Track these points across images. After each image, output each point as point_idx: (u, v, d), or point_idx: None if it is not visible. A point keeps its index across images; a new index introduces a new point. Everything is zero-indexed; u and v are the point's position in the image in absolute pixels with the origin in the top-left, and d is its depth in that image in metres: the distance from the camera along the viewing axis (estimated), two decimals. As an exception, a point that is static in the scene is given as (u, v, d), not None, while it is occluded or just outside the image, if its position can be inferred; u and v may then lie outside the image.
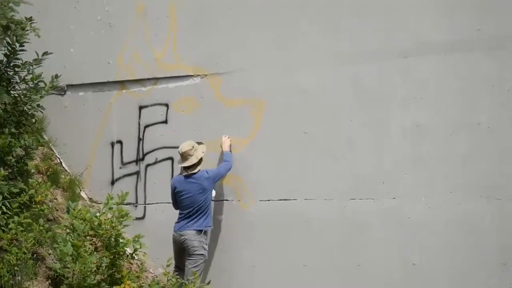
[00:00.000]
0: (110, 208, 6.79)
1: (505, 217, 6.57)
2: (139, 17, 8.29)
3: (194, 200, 7.38)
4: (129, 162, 8.31)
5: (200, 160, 7.47)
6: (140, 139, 8.26)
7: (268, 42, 7.63)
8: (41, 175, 7.91)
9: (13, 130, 6.89)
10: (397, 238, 6.96)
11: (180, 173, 7.58)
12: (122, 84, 8.39)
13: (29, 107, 7.24)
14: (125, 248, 6.78)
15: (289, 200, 7.43)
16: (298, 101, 7.45)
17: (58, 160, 8.56)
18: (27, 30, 7.13)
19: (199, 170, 7.44)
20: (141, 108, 8.27)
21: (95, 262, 6.32)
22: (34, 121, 7.45)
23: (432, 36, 6.94)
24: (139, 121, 8.28)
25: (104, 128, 8.46)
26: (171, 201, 7.64)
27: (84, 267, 6.13)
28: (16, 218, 6.26)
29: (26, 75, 7.32)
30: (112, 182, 8.40)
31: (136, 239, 6.82)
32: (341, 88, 7.28)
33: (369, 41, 7.19)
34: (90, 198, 8.49)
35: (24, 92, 7.25)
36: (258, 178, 7.59)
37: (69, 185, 8.16)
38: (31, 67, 7.29)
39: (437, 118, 6.87)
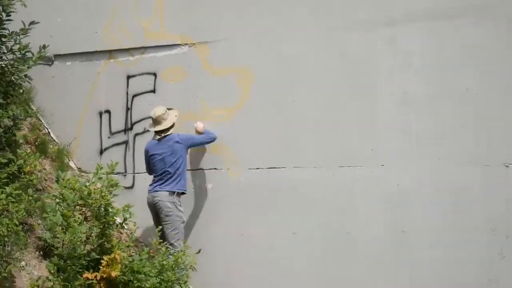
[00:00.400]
0: (100, 178, 6.65)
1: (492, 184, 6.54)
2: None
3: (165, 162, 7.40)
4: (118, 132, 8.23)
5: (173, 125, 7.48)
6: (128, 109, 8.18)
7: (256, 10, 7.54)
8: (29, 145, 7.79)
9: (0, 100, 6.76)
10: (386, 205, 6.90)
11: (153, 138, 7.55)
12: (109, 53, 8.29)
13: (16, 77, 7.04)
14: (115, 217, 6.66)
15: (278, 168, 7.36)
16: (286, 69, 7.39)
17: (46, 130, 8.45)
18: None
19: (171, 133, 7.44)
20: (129, 77, 8.18)
21: (84, 232, 6.20)
22: (21, 91, 7.28)
23: (419, 4, 6.87)
24: (127, 91, 8.20)
25: (92, 98, 8.38)
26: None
27: (74, 237, 6.01)
28: (7, 188, 6.10)
29: (13, 45, 7.10)
30: (101, 152, 8.31)
31: (126, 208, 6.68)
32: (329, 56, 7.22)
33: (357, 10, 7.11)
34: (79, 168, 8.39)
35: (12, 62, 7.04)
36: (247, 147, 7.53)
37: (57, 155, 8.06)
38: (18, 37, 7.08)
39: (424, 86, 6.82)
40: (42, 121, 8.49)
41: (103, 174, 6.67)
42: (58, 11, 8.57)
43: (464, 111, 6.67)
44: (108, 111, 8.30)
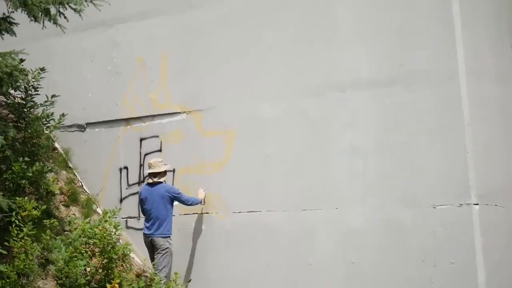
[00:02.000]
0: (106, 221, 7.52)
1: (423, 222, 7.17)
2: (139, 66, 9.25)
3: (156, 206, 8.10)
4: (133, 184, 9.16)
5: (165, 173, 8.28)
6: (141, 165, 9.10)
7: (235, 82, 8.46)
8: (63, 195, 8.85)
9: (26, 158, 7.73)
10: (340, 242, 7.63)
11: (146, 183, 8.39)
12: (127, 121, 9.31)
13: (39, 140, 8.19)
14: (119, 253, 7.44)
15: (255, 211, 8.17)
16: (260, 129, 8.21)
17: (80, 183, 9.51)
18: (28, 75, 7.91)
19: (164, 181, 8.24)
20: (141, 140, 9.14)
21: (84, 266, 7.09)
22: (44, 151, 8.29)
23: (363, 73, 7.68)
24: (140, 150, 9.15)
25: (114, 157, 9.36)
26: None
27: (75, 270, 6.88)
28: (25, 229, 6.89)
29: (40, 114, 8.27)
30: (121, 200, 9.24)
31: (126, 245, 7.56)
32: (294, 117, 8.03)
33: (314, 77, 7.96)
34: None
35: (36, 127, 8.14)
36: (231, 194, 8.33)
37: (87, 203, 9.07)
38: (45, 107, 8.23)
39: (367, 140, 7.58)
40: (77, 175, 9.55)
41: (109, 217, 7.56)
42: (88, 88, 9.68)
43: (400, 161, 7.34)
44: (126, 167, 9.25)
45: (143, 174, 9.07)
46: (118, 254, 7.49)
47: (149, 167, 8.28)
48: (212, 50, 8.72)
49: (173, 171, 8.74)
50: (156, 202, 8.15)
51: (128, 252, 7.69)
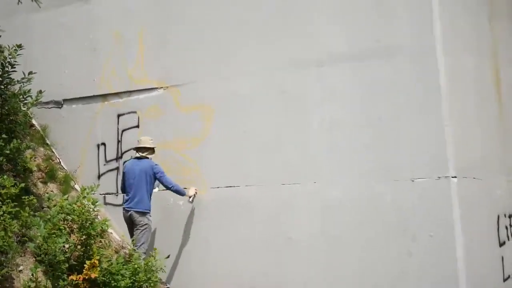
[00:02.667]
0: (84, 197, 7.24)
1: (401, 195, 7.03)
2: (116, 41, 9.02)
3: (138, 181, 7.92)
4: (111, 160, 8.99)
5: (153, 150, 8.08)
6: (119, 141, 8.93)
7: (213, 57, 8.27)
8: (41, 172, 8.60)
9: (4, 136, 7.49)
10: (319, 216, 7.47)
11: (133, 157, 8.18)
12: (104, 97, 9.08)
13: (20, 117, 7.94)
14: (98, 229, 7.20)
15: (233, 187, 8.00)
16: (238, 105, 8.04)
17: (58, 160, 9.28)
18: (4, 52, 7.79)
19: (150, 158, 8.05)
20: (119, 115, 8.94)
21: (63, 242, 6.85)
22: (22, 128, 8.01)
23: (340, 47, 7.50)
24: (117, 127, 8.95)
25: (91, 133, 9.16)
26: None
27: (54, 246, 6.66)
28: (3, 207, 6.69)
29: (17, 91, 7.98)
30: (99, 177, 9.05)
31: (104, 221, 7.33)
32: (271, 92, 7.85)
33: (291, 52, 7.77)
34: None
35: (14, 104, 7.89)
36: (210, 170, 8.16)
37: (65, 180, 8.85)
38: (22, 84, 7.96)
39: (345, 114, 7.42)
40: (55, 152, 9.31)
41: (87, 194, 7.27)
42: (66, 64, 9.44)
43: (378, 135, 7.19)
44: (104, 144, 9.05)
45: (121, 150, 8.91)
46: (96, 230, 7.25)
47: (139, 142, 8.13)
48: (187, 24, 8.51)
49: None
50: (139, 176, 7.99)
51: (106, 228, 7.45)
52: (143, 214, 7.96)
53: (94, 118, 9.20)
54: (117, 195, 8.87)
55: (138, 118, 8.80)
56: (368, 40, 7.36)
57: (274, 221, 7.74)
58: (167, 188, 8.06)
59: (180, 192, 8.10)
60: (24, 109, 8.01)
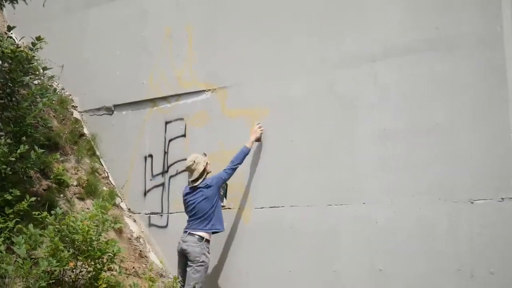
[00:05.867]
0: (94, 216, 7.78)
1: (458, 221, 7.10)
2: (166, 39, 9.80)
3: (199, 208, 8.39)
4: (157, 174, 9.67)
5: (203, 172, 8.50)
6: (165, 153, 9.61)
7: (262, 55, 8.78)
8: (79, 187, 9.53)
9: (8, 140, 8.22)
10: (366, 245, 7.71)
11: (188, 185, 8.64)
12: (153, 101, 9.85)
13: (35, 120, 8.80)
14: (107, 254, 7.73)
15: (278, 207, 8.43)
16: (285, 110, 8.46)
17: (106, 173, 10.16)
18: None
19: (203, 180, 8.46)
20: (166, 123, 9.64)
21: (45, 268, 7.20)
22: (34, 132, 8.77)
23: (395, 39, 7.73)
24: (165, 136, 9.65)
25: (139, 143, 9.93)
26: (190, 210, 8.72)
27: (37, 270, 7.06)
28: (9, 223, 7.45)
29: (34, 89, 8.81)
30: (145, 193, 9.78)
31: (113, 243, 7.75)
32: (321, 94, 8.21)
33: (345, 47, 8.10)
34: (129, 209, 9.96)
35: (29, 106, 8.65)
36: (255, 187, 8.67)
37: (110, 196, 9.60)
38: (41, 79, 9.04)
39: (398, 121, 7.61)
40: (104, 165, 10.22)
41: (99, 212, 7.83)
42: (117, 65, 10.31)
43: (434, 147, 7.29)
44: (151, 155, 9.78)
45: (167, 164, 9.60)
46: (102, 252, 7.72)
47: (188, 172, 8.64)
48: (234, 18, 9.15)
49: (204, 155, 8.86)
50: (200, 203, 8.49)
51: (118, 251, 7.86)
52: (200, 249, 8.33)
53: (142, 126, 9.98)
54: (161, 215, 9.55)
55: (185, 125, 9.46)
56: (426, 29, 7.49)
57: (318, 250, 8.05)
58: (234, 170, 8.55)
59: (244, 154, 8.54)
60: (36, 110, 8.68)
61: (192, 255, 8.32)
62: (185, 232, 8.49)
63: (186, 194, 8.68)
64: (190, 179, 8.59)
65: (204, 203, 8.45)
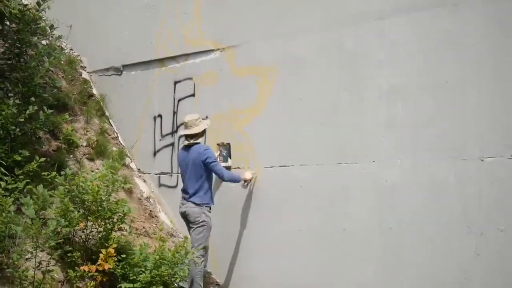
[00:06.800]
0: (104, 176, 7.79)
1: (467, 179, 7.08)
2: None
3: (192, 170, 8.36)
4: (167, 134, 9.77)
5: (203, 132, 8.51)
6: (174, 112, 9.65)
7: (270, 12, 8.73)
8: (89, 147, 9.61)
9: (17, 101, 8.29)
10: (376, 204, 7.75)
11: (182, 145, 8.63)
12: (161, 61, 9.86)
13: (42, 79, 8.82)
14: (117, 214, 7.82)
15: (287, 166, 8.46)
16: (294, 67, 8.44)
17: (115, 134, 10.27)
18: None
19: (199, 142, 8.44)
20: (175, 83, 9.68)
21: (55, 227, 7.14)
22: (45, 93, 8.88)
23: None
24: (174, 95, 9.69)
25: (148, 104, 9.99)
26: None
27: (46, 230, 7.01)
28: (1, 183, 7.34)
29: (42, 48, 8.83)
30: (154, 154, 9.88)
31: (123, 203, 7.79)
32: (329, 52, 8.16)
33: (351, 4, 8.05)
34: (139, 169, 10.07)
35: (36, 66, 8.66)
36: (263, 146, 8.66)
37: (119, 157, 9.71)
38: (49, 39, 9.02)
39: (407, 78, 7.57)
40: (113, 125, 10.31)
41: (109, 172, 7.84)
42: (126, 25, 10.32)
43: (443, 104, 7.28)
44: (160, 115, 9.87)
45: (176, 123, 9.65)
46: (112, 212, 7.82)
47: (185, 126, 8.52)
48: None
49: (206, 118, 9.00)
50: (190, 168, 8.45)
51: (128, 212, 7.94)
52: (199, 208, 8.36)
53: (151, 87, 10.03)
54: (171, 175, 9.61)
55: (194, 85, 9.48)
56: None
57: (328, 209, 8.10)
58: (219, 178, 8.51)
59: (234, 180, 8.54)
60: (43, 69, 8.71)
61: (192, 216, 8.37)
62: (182, 199, 8.56)
63: (180, 154, 8.68)
64: (185, 133, 8.49)
65: (199, 167, 8.41)
